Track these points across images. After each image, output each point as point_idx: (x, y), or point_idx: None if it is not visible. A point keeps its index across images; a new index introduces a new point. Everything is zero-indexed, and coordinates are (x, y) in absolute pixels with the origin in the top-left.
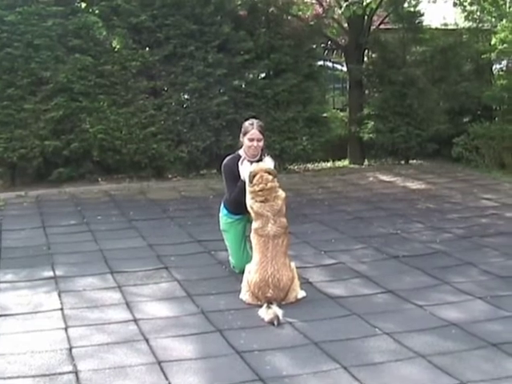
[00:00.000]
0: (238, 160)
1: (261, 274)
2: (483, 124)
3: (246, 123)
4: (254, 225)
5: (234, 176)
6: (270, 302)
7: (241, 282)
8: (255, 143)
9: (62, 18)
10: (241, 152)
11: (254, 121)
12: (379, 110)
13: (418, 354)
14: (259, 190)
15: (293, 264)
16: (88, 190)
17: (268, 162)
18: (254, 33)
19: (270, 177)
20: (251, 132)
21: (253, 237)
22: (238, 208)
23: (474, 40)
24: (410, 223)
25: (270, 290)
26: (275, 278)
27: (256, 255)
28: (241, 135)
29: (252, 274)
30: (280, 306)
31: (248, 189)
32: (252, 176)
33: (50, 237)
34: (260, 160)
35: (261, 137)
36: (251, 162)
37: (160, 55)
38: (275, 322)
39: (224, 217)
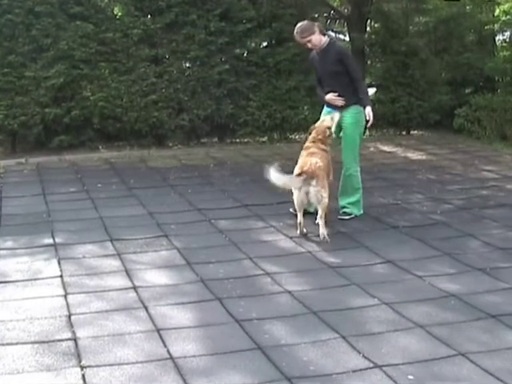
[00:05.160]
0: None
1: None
2: (485, 95)
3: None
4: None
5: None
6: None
7: (240, 251)
8: (308, 45)
9: None
10: None
11: (295, 30)
12: (381, 80)
13: (416, 324)
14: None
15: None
16: (88, 157)
17: (335, 116)
18: (256, 1)
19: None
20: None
21: None
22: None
23: (478, 11)
24: (410, 194)
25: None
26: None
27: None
28: None
29: None
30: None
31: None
32: (312, 128)
33: (50, 204)
34: (327, 50)
35: (304, 41)
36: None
37: (162, 23)
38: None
39: None
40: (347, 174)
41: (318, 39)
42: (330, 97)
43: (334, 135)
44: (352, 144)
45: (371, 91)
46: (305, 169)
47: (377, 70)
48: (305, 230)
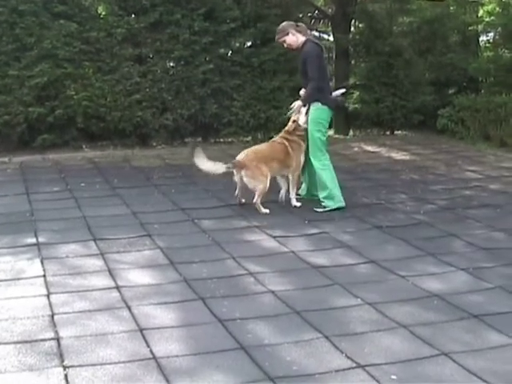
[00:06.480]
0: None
1: None
2: (469, 96)
3: None
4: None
5: None
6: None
7: (224, 250)
8: (284, 45)
9: None
10: None
11: (276, 32)
12: (365, 81)
13: (399, 324)
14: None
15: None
16: (72, 157)
17: (302, 112)
18: (240, 1)
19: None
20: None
21: None
22: None
23: (462, 11)
24: (393, 194)
25: None
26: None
27: None
28: None
29: None
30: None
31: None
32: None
33: (34, 203)
34: (301, 51)
35: (279, 41)
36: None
37: (146, 22)
38: None
39: None
40: (314, 169)
41: (294, 40)
42: (302, 92)
43: (303, 126)
44: (312, 139)
45: (339, 92)
46: (237, 159)
47: (361, 70)
48: (243, 200)
